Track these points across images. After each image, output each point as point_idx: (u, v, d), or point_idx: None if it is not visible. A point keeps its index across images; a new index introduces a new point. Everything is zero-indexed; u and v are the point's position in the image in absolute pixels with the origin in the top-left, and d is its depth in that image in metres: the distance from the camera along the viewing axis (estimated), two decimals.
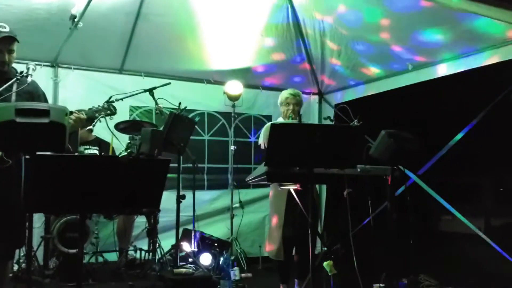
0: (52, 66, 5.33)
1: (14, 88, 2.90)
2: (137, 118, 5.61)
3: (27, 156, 2.19)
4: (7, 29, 2.96)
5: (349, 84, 6.09)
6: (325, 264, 3.75)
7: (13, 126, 2.16)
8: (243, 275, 5.07)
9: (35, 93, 3.05)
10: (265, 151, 3.33)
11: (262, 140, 4.17)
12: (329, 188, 6.05)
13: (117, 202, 2.59)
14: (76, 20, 4.06)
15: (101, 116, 3.11)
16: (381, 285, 3.59)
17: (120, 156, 4.16)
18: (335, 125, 4.13)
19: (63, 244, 3.99)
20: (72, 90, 5.37)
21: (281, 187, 3.65)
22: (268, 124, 4.25)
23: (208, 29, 5.30)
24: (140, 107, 5.73)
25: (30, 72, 2.93)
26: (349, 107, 3.55)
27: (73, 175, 2.30)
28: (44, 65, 5.17)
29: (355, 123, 3.30)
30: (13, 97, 2.88)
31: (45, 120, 2.19)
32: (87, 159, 2.47)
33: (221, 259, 4.63)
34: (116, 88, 5.09)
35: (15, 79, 2.87)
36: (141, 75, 5.67)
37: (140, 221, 5.10)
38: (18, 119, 2.15)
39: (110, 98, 3.40)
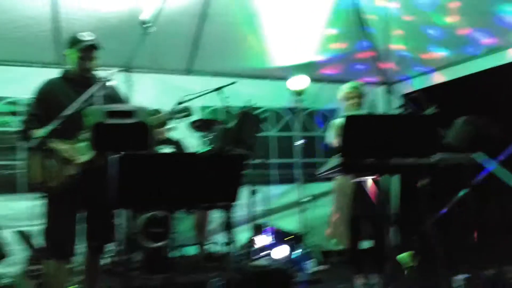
0: (126, 71, 5.57)
1: (97, 93, 3.08)
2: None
3: (117, 155, 2.34)
4: (91, 38, 3.16)
5: (417, 71, 5.91)
6: (402, 256, 3.69)
7: (103, 128, 2.31)
8: (318, 268, 5.09)
9: (116, 97, 3.23)
10: (337, 148, 3.32)
11: (332, 138, 4.13)
12: (403, 179, 5.92)
13: (198, 197, 2.70)
14: (147, 25, 4.24)
15: (179, 117, 3.24)
16: (465, 276, 3.48)
17: (200, 153, 4.30)
18: (412, 114, 4.03)
19: (147, 239, 4.19)
20: (144, 93, 5.58)
21: (356, 179, 3.62)
22: (335, 121, 4.23)
23: (270, 26, 5.37)
24: (208, 107, 5.88)
25: (111, 77, 3.11)
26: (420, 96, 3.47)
27: (160, 173, 2.43)
28: (120, 71, 5.41)
29: (431, 110, 3.21)
30: (97, 102, 3.06)
31: (132, 121, 2.33)
32: (171, 157, 2.61)
33: (296, 252, 4.69)
34: (185, 89, 5.25)
35: (98, 84, 3.05)
36: (208, 75, 5.81)
37: (215, 216, 5.25)
38: (108, 121, 2.30)
39: (181, 100, 3.55)
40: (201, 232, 5.08)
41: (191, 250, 5.07)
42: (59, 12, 4.56)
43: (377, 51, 5.92)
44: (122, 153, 2.38)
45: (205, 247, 4.96)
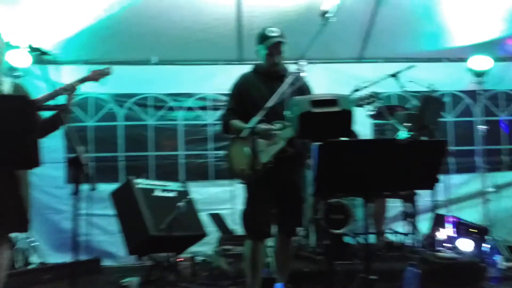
0: (296, 62, 5.75)
1: (288, 84, 3.21)
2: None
3: (318, 143, 2.43)
4: (278, 34, 3.31)
5: None
6: None
7: (310, 117, 2.42)
8: (508, 264, 4.67)
9: (306, 88, 3.35)
10: None
11: None
12: None
13: (396, 183, 2.68)
14: (328, 15, 4.32)
15: (365, 103, 3.24)
16: None
17: (399, 139, 4.26)
18: None
19: (329, 225, 4.30)
20: (317, 83, 5.69)
21: None
22: None
23: (447, 4, 5.05)
24: (382, 93, 5.77)
25: (302, 69, 3.23)
26: None
27: (360, 159, 2.46)
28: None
29: None
30: (291, 93, 3.19)
31: (337, 109, 2.40)
32: (372, 143, 2.61)
33: (485, 246, 4.36)
34: (356, 77, 5.23)
35: (291, 76, 3.19)
36: (381, 61, 5.69)
37: (392, 205, 5.15)
38: (314, 110, 2.40)
39: (357, 87, 3.52)
40: (379, 221, 5.02)
41: (368, 239, 5.05)
42: (242, 11, 4.87)
43: None
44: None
45: (384, 236, 4.89)
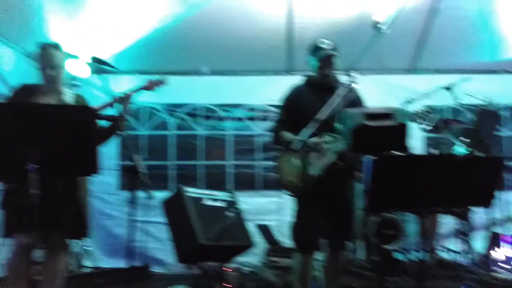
0: (347, 73, 5.71)
1: (340, 96, 3.18)
2: None
3: (371, 157, 2.39)
4: (330, 46, 3.30)
5: None
6: None
7: (364, 130, 2.39)
8: None
9: (358, 101, 3.30)
10: None
11: None
12: None
13: (451, 199, 2.60)
14: (381, 26, 4.27)
15: (421, 118, 3.16)
16: None
17: (458, 154, 4.14)
18: None
19: (379, 240, 4.22)
20: (367, 95, 5.62)
21: None
22: None
23: (506, 13, 4.87)
24: (435, 106, 5.61)
25: (354, 81, 3.19)
26: None
27: (414, 174, 2.41)
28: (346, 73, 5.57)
29: None
30: (343, 105, 3.16)
31: (392, 123, 2.36)
32: (429, 158, 2.55)
33: None
34: (408, 89, 5.14)
35: (343, 88, 3.16)
36: (433, 73, 5.55)
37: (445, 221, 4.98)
38: (368, 123, 2.37)
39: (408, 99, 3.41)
40: (430, 237, 4.87)
41: (419, 255, 4.91)
42: (294, 22, 4.89)
43: None
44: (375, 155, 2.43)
45: (435, 253, 4.74)
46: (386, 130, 2.37)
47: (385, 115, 2.38)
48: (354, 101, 3.25)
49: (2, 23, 4.22)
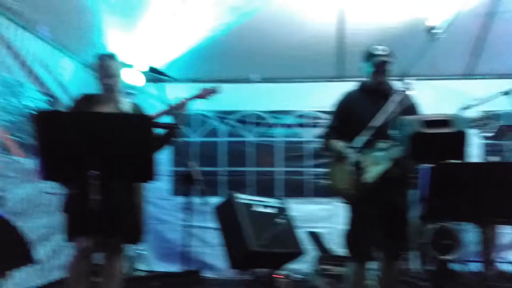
0: (400, 79, 5.58)
1: (395, 103, 3.11)
2: None
3: (428, 165, 2.33)
4: (385, 52, 3.23)
5: None
6: None
7: (422, 138, 2.33)
8: None
9: (413, 107, 3.22)
10: None
11: None
12: None
13: (510, 209, 2.49)
14: (435, 31, 4.17)
15: (481, 124, 3.05)
16: None
17: None
18: None
19: (435, 250, 4.09)
20: (421, 101, 5.49)
21: None
22: None
23: None
24: (492, 112, 5.39)
25: (408, 87, 3.12)
26: None
27: (475, 182, 2.32)
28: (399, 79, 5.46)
29: None
30: (394, 111, 3.10)
31: (450, 130, 2.29)
32: (491, 166, 2.46)
33: None
34: (464, 94, 4.95)
35: (398, 94, 3.09)
36: (491, 78, 5.35)
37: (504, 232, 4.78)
38: (426, 130, 2.31)
39: (464, 105, 3.30)
40: (489, 248, 4.67)
41: (477, 267, 4.72)
42: (345, 28, 4.85)
43: None
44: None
45: (495, 265, 4.53)
46: (444, 137, 2.30)
47: (443, 122, 2.32)
48: (410, 107, 3.18)
49: (63, 35, 4.43)
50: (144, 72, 5.10)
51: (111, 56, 3.14)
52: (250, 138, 5.86)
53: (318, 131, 5.57)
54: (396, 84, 3.26)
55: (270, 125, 5.86)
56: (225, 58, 5.28)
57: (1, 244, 2.71)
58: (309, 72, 5.49)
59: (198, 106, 3.40)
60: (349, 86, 3.43)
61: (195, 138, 5.84)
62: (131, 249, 5.10)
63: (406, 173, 3.03)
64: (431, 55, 5.18)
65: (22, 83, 4.11)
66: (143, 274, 5.04)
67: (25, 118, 4.03)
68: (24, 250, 2.83)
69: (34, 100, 4.27)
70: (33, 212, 4.17)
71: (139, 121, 2.51)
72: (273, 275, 4.37)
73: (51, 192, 3.93)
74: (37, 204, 4.21)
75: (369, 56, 3.27)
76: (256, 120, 5.87)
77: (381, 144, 3.01)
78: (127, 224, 2.93)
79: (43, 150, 2.31)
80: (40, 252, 4.22)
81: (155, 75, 2.82)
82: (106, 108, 3.05)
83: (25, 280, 3.93)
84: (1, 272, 2.78)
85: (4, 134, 3.86)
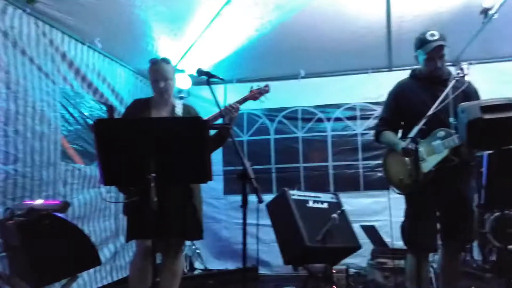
0: (453, 65, 5.41)
1: (453, 89, 3.00)
2: None
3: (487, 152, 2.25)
4: (438, 37, 3.13)
5: None
6: None
7: (481, 123, 2.25)
8: None
9: (472, 93, 3.10)
10: None
11: None
12: None
13: None
14: (490, 13, 4.01)
15: None
16: None
17: None
18: None
19: (501, 239, 3.92)
20: (476, 86, 5.30)
21: None
22: None
23: None
24: None
25: (464, 72, 3.01)
26: None
27: None
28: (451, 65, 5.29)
29: None
30: (452, 98, 2.99)
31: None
32: None
33: None
34: None
35: (453, 81, 2.99)
36: None
37: None
38: (486, 116, 2.23)
39: None
40: None
41: None
42: (392, 17, 4.75)
43: None
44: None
45: None
46: (505, 122, 2.21)
47: (504, 106, 2.22)
48: (469, 93, 3.06)
49: (114, 44, 4.58)
50: (192, 75, 5.20)
51: (164, 60, 3.21)
52: (300, 134, 5.85)
53: (370, 123, 5.51)
54: (452, 70, 3.16)
55: (320, 120, 5.83)
56: (272, 56, 5.29)
57: (71, 247, 2.84)
58: (357, 65, 5.44)
59: (247, 106, 3.43)
60: (401, 75, 3.36)
61: (244, 137, 5.90)
62: (189, 249, 5.24)
63: (466, 161, 2.93)
64: (486, 37, 5.00)
65: (81, 94, 4.29)
66: (199, 272, 5.14)
67: (85, 127, 4.22)
68: (92, 252, 2.95)
69: (93, 110, 4.46)
70: (95, 216, 4.37)
71: (195, 123, 2.54)
72: (330, 270, 4.35)
73: (110, 201, 4.09)
74: (99, 208, 4.40)
75: (422, 42, 3.15)
76: (305, 116, 5.86)
77: (440, 133, 2.94)
78: (186, 224, 3.00)
79: (103, 157, 2.38)
80: (106, 253, 4.41)
81: (204, 78, 2.85)
82: (160, 112, 3.13)
83: (88, 281, 4.12)
84: (73, 274, 2.92)
85: (66, 143, 4.06)
